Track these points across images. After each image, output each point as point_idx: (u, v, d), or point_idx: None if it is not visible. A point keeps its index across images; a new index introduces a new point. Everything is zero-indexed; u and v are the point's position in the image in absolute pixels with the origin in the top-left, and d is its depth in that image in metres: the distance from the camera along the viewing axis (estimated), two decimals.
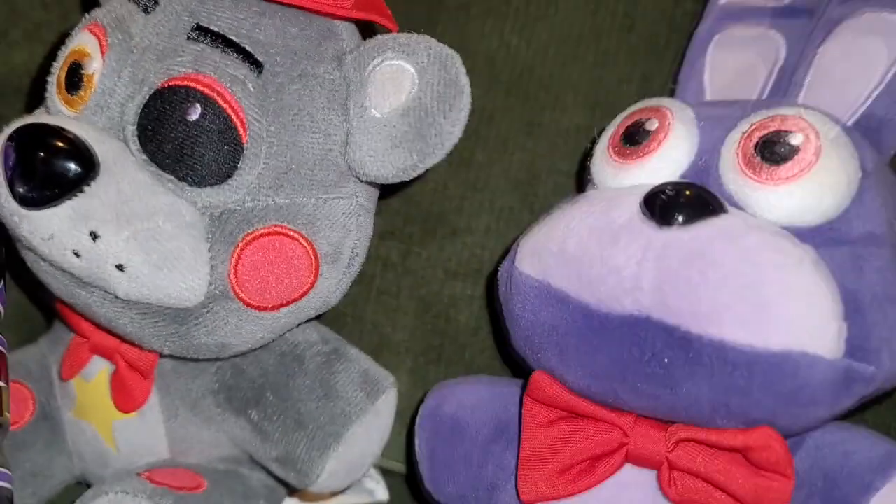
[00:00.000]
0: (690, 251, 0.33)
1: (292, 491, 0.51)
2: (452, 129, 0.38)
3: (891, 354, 0.34)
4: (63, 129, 0.36)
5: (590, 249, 0.35)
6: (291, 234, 0.38)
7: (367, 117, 0.38)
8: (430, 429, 0.45)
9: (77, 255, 0.36)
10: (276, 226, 0.38)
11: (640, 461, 0.37)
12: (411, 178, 0.40)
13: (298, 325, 0.43)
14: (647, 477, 0.38)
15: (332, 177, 0.39)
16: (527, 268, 0.38)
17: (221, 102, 0.36)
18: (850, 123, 0.39)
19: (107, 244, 0.35)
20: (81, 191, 0.35)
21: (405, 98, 0.37)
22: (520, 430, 0.40)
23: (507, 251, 0.44)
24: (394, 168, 0.38)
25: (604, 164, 0.40)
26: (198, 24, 0.37)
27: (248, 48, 0.37)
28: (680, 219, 0.34)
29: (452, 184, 0.55)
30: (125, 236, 0.35)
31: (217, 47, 0.37)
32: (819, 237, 0.35)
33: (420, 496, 0.48)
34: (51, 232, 0.36)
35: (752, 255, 0.33)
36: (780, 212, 0.35)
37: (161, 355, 0.42)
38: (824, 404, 0.35)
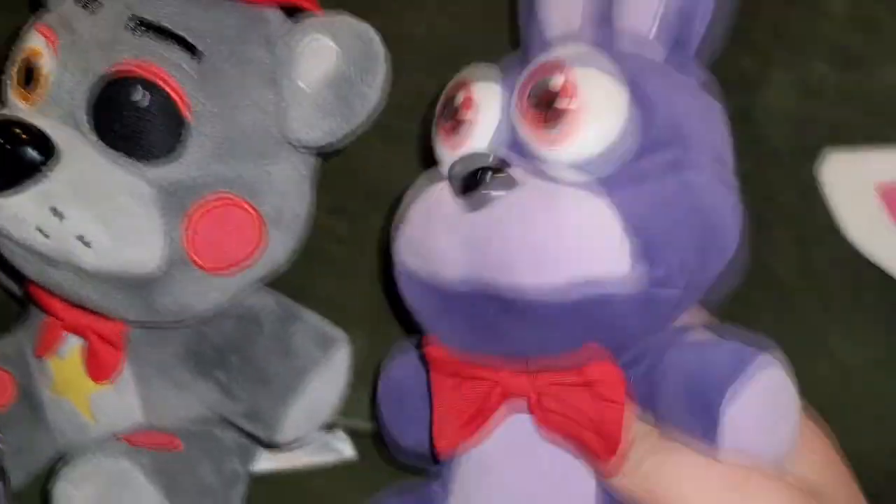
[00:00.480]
0: (494, 220, 0.35)
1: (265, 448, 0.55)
2: (372, 93, 0.42)
3: (685, 277, 0.36)
4: (22, 121, 0.40)
5: (422, 230, 0.38)
6: (237, 201, 0.42)
7: (297, 91, 0.42)
8: (382, 393, 0.48)
9: (43, 233, 0.40)
10: (222, 194, 0.42)
11: (515, 398, 0.40)
12: (340, 141, 0.44)
13: (253, 290, 0.47)
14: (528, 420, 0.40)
15: (269, 147, 0.43)
16: (398, 246, 0.40)
17: (164, 86, 0.40)
18: (652, 36, 0.40)
19: (71, 222, 0.39)
20: (45, 175, 0.39)
21: (329, 70, 0.41)
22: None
23: None
24: (323, 133, 0.42)
25: (438, 143, 0.42)
26: (138, 18, 0.41)
27: (185, 37, 0.41)
28: (482, 198, 0.35)
29: (394, 160, 0.59)
30: (89, 215, 0.39)
31: (157, 37, 0.41)
32: (607, 173, 0.36)
33: (387, 453, 0.51)
34: (14, 212, 0.39)
35: (550, 211, 0.35)
36: (566, 158, 0.36)
37: (129, 324, 0.46)
38: (638, 327, 0.37)
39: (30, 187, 0.39)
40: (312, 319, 0.48)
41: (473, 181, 0.36)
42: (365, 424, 0.61)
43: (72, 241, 0.40)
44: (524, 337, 0.37)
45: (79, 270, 0.41)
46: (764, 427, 0.35)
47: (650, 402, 0.38)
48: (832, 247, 0.53)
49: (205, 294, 0.43)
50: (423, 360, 0.43)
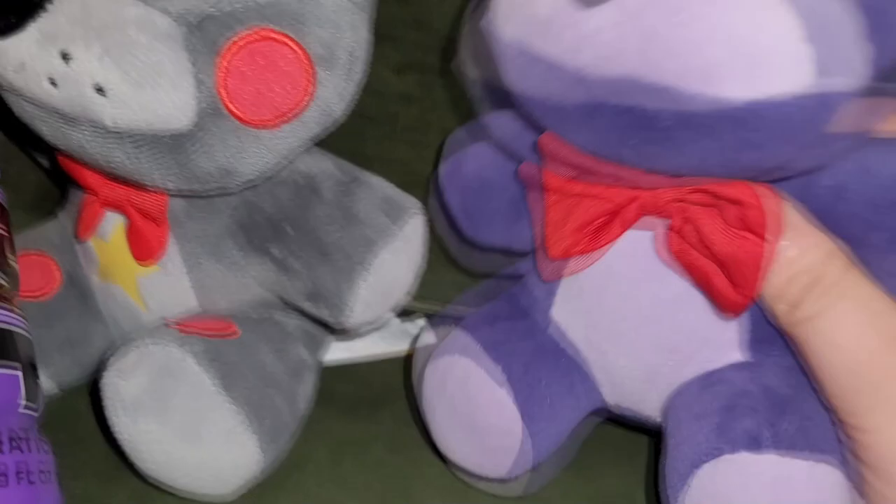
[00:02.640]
0: (669, 6, 0.28)
1: (338, 336, 0.50)
2: None
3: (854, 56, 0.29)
4: None
5: (561, 9, 0.31)
6: (278, 36, 0.34)
7: None
8: (457, 186, 0.44)
9: (53, 83, 0.34)
10: (259, 29, 0.34)
11: (652, 213, 0.35)
12: None
13: (308, 150, 0.40)
14: (647, 238, 0.36)
15: None
16: (508, 32, 0.34)
17: None
18: None
19: (80, 64, 0.33)
20: (44, 9, 0.32)
21: None
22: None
23: None
24: None
25: None
26: None
27: None
28: None
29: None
30: (97, 52, 0.33)
31: None
32: None
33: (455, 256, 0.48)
34: (21, 60, 0.33)
35: (735, 3, 0.28)
36: None
37: (170, 195, 0.40)
38: (832, 143, 0.31)
39: (29, 26, 0.32)
40: (380, 185, 0.41)
41: None
42: (442, 308, 0.55)
43: (86, 91, 0.33)
44: (703, 154, 0.31)
45: (100, 128, 0.35)
46: None
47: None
48: None
49: (249, 153, 0.36)
50: (535, 153, 0.38)
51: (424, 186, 0.51)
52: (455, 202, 0.45)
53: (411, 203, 0.41)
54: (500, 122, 0.42)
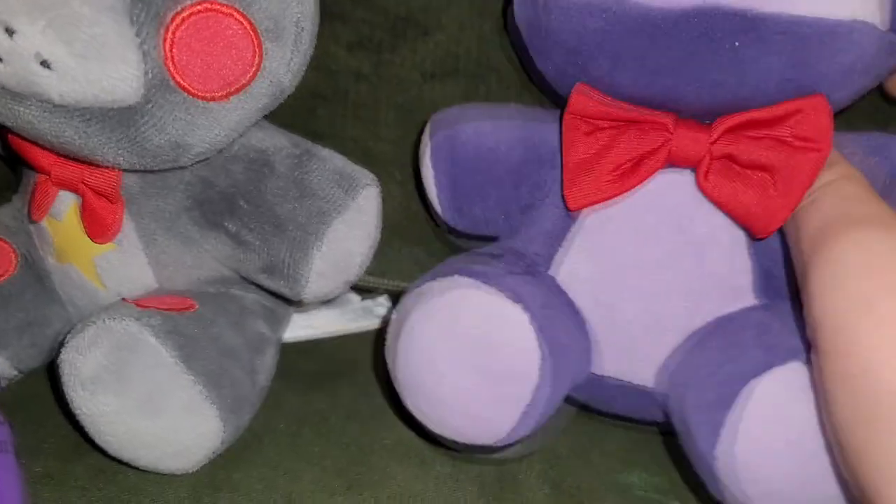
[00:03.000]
0: None
1: (298, 309, 0.50)
2: None
3: None
4: None
5: None
6: (223, 8, 0.35)
7: None
8: (448, 161, 0.43)
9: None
10: (205, 1, 0.34)
11: (682, 158, 0.37)
12: None
13: (259, 125, 0.40)
14: (685, 178, 0.38)
15: None
16: None
17: None
18: None
19: (24, 38, 0.33)
20: None
21: None
22: (560, 145, 0.38)
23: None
24: None
25: None
26: None
27: None
28: None
29: None
30: (41, 26, 0.33)
31: None
32: None
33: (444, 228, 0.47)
34: None
35: None
36: None
37: (123, 172, 0.40)
38: (872, 74, 0.35)
39: None
40: (332, 157, 0.42)
41: None
42: (406, 285, 0.56)
43: (32, 66, 0.33)
44: (765, 73, 0.33)
45: (48, 104, 0.35)
46: None
47: None
48: None
49: (199, 126, 0.37)
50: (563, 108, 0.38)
51: (376, 162, 0.52)
52: (443, 179, 0.44)
53: (364, 175, 0.42)
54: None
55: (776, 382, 0.32)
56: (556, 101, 0.40)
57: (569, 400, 0.41)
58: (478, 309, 0.35)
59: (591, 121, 0.38)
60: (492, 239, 0.44)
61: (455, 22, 0.51)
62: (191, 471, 0.40)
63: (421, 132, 0.51)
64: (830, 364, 0.30)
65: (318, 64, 0.52)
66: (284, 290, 0.41)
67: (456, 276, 0.36)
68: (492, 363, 0.35)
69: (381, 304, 0.56)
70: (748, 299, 0.38)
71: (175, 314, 0.40)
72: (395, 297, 0.56)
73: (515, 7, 0.39)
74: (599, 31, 0.34)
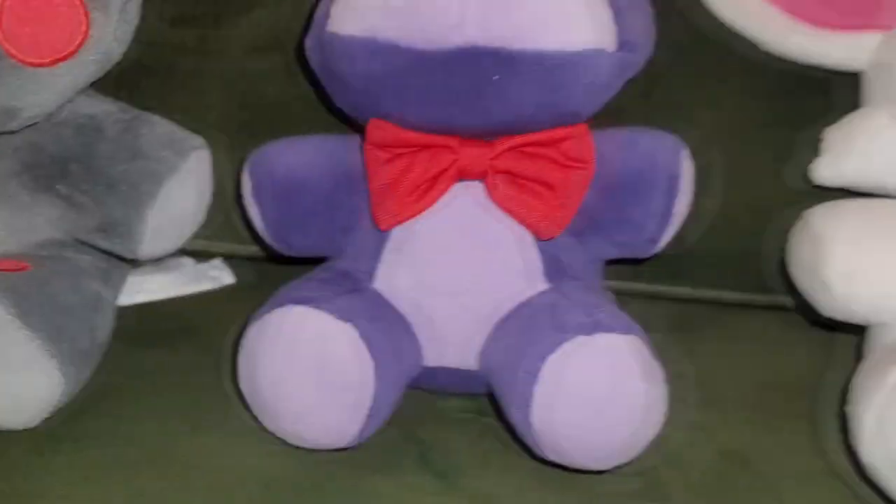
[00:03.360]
0: None
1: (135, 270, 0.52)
2: None
3: (642, 45, 0.43)
4: None
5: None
6: None
7: None
8: (268, 196, 0.47)
9: None
10: None
11: (469, 173, 0.43)
12: None
13: (88, 94, 0.42)
14: (476, 189, 0.43)
15: None
16: (348, 28, 0.40)
17: None
18: None
19: None
20: None
21: None
22: (365, 172, 0.44)
23: (306, 19, 0.45)
24: None
25: None
26: None
27: None
28: None
29: None
30: None
31: None
32: None
33: (265, 275, 0.50)
34: None
35: None
36: None
37: None
38: (609, 89, 0.42)
39: None
40: (162, 123, 0.44)
41: None
42: (241, 248, 0.58)
43: None
44: (523, 99, 0.40)
45: None
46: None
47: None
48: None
49: (28, 92, 0.38)
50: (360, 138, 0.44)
51: (203, 131, 0.54)
52: (268, 215, 0.47)
53: (194, 138, 0.45)
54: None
55: (566, 355, 0.38)
56: (358, 129, 0.45)
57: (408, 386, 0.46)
58: (313, 332, 0.39)
59: (389, 149, 0.43)
60: (323, 259, 0.48)
61: None
62: (32, 425, 0.41)
63: (244, 105, 0.55)
64: None
65: (143, 38, 0.54)
66: (121, 249, 0.44)
67: (290, 306, 0.40)
68: (332, 378, 0.39)
69: (215, 267, 0.59)
70: (540, 285, 0.44)
71: (10, 274, 0.41)
72: (229, 260, 0.59)
73: (307, 52, 0.44)
74: (382, 73, 0.40)
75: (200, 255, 0.59)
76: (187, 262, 0.58)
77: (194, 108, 0.55)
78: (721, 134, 0.55)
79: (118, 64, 0.53)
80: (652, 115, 0.54)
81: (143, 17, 0.53)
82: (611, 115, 0.52)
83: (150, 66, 0.54)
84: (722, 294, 0.58)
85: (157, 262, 0.57)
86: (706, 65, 0.54)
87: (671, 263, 0.57)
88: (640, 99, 0.54)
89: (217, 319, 0.52)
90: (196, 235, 0.56)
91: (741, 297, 0.58)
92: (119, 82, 0.54)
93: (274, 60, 0.54)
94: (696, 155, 0.53)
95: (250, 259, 0.59)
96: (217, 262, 0.59)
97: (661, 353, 0.52)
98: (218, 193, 0.55)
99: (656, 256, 0.55)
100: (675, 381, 0.49)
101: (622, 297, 0.55)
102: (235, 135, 0.55)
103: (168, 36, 0.54)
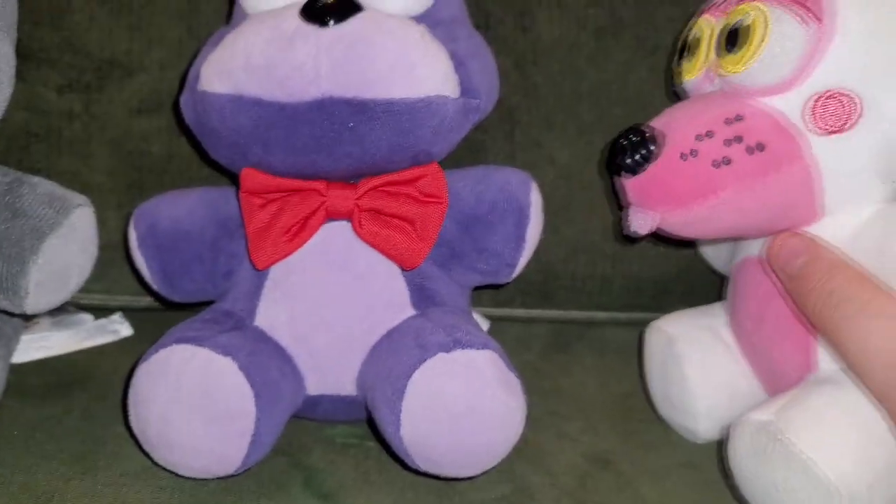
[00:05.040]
0: (351, 39, 0.42)
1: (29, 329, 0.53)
2: None
3: (483, 91, 0.46)
4: None
5: (272, 57, 0.42)
6: None
7: None
8: (152, 247, 0.49)
9: None
10: None
11: (336, 213, 0.46)
12: None
13: None
14: (344, 227, 0.46)
15: None
16: (217, 87, 0.43)
17: None
18: None
19: None
20: None
21: None
22: (242, 219, 0.46)
23: (183, 80, 0.48)
24: None
25: None
26: None
27: None
28: (334, 19, 0.42)
29: (116, 29, 0.56)
30: None
31: None
32: (425, 20, 0.45)
33: (163, 325, 0.50)
34: None
35: (396, 33, 0.43)
36: (397, 6, 0.45)
37: None
38: (456, 129, 0.45)
39: None
40: (44, 184, 0.46)
41: (334, 8, 0.42)
42: (138, 300, 0.60)
43: None
44: (377, 141, 0.43)
45: None
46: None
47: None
48: (547, 67, 0.57)
49: None
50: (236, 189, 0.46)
51: (93, 192, 0.55)
52: (153, 264, 0.49)
53: (75, 196, 0.46)
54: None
55: (429, 371, 0.41)
56: (235, 181, 0.47)
57: (295, 416, 0.48)
58: (195, 367, 0.41)
59: (262, 195, 0.45)
60: (209, 302, 0.50)
61: (156, 63, 0.56)
62: None
63: (131, 164, 0.57)
64: None
65: (30, 105, 0.56)
66: (6, 305, 0.45)
67: (174, 345, 0.42)
68: (215, 409, 0.41)
69: (114, 322, 0.60)
70: (408, 311, 0.46)
71: None
72: (126, 313, 0.60)
73: (182, 110, 0.47)
74: (250, 126, 0.43)
75: (99, 310, 0.60)
76: (86, 317, 0.59)
77: (83, 171, 0.56)
78: (578, 168, 0.58)
79: (5, 131, 0.55)
80: (515, 155, 0.58)
81: (30, 86, 0.55)
82: (478, 154, 0.56)
83: (38, 132, 0.56)
84: (592, 314, 0.61)
85: (56, 318, 0.58)
86: (560, 107, 0.58)
87: (541, 289, 0.61)
88: (502, 140, 0.58)
89: (114, 369, 0.53)
90: (93, 290, 0.59)
91: (607, 315, 0.62)
92: (8, 149, 0.56)
93: (158, 121, 0.56)
94: (555, 188, 0.57)
95: (148, 310, 0.60)
96: (116, 316, 0.60)
97: (538, 370, 0.56)
98: (109, 248, 0.57)
99: (525, 282, 0.59)
100: (549, 396, 0.54)
101: (501, 323, 0.59)
102: (125, 193, 0.57)
103: (55, 103, 0.56)
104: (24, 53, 0.55)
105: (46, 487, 0.43)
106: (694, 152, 0.39)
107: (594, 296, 0.60)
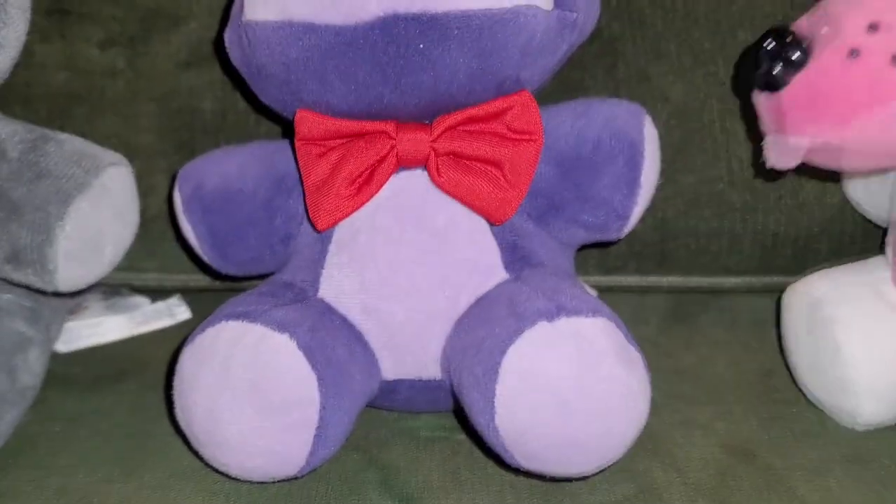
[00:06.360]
0: None
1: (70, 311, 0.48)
2: None
3: (584, 4, 0.39)
4: None
5: None
6: None
7: None
8: (199, 210, 0.44)
9: None
10: None
11: (409, 159, 0.39)
12: None
13: None
14: (419, 176, 0.40)
15: None
16: (261, 15, 0.37)
17: None
18: None
19: None
20: None
21: None
22: (299, 173, 0.40)
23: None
24: None
25: None
26: None
27: None
28: None
29: None
30: None
31: None
32: None
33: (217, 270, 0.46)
34: None
35: None
36: None
37: None
38: (549, 51, 0.38)
39: None
40: (72, 140, 0.40)
41: None
42: (192, 279, 0.54)
43: None
44: (453, 66, 0.36)
45: None
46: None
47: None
48: None
49: None
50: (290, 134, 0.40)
51: (140, 155, 0.50)
52: (201, 229, 0.44)
53: (109, 154, 0.41)
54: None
55: (528, 344, 0.34)
56: (288, 129, 0.41)
57: (371, 406, 0.41)
58: (247, 347, 0.35)
59: (320, 142, 0.39)
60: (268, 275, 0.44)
61: (205, 9, 0.51)
62: None
63: (181, 123, 0.51)
64: None
65: (70, 64, 0.51)
66: (35, 280, 0.39)
67: (222, 322, 0.36)
68: (270, 397, 0.35)
69: (173, 305, 0.54)
70: (500, 275, 0.39)
71: None
72: (185, 295, 0.55)
73: (227, 47, 0.41)
74: (301, 58, 0.36)
75: (155, 292, 0.55)
76: (142, 301, 0.54)
77: (128, 133, 0.51)
78: (695, 105, 0.50)
79: (46, 92, 0.50)
80: (620, 93, 0.50)
81: (69, 43, 0.50)
82: (575, 94, 0.48)
83: (80, 93, 0.51)
84: (719, 280, 0.53)
85: (109, 302, 0.54)
86: (671, 34, 0.50)
87: (658, 250, 0.52)
88: (604, 76, 0.50)
89: (170, 356, 0.47)
90: (147, 268, 0.53)
91: (738, 280, 0.53)
92: (48, 113, 0.51)
93: (209, 74, 0.51)
94: (669, 129, 0.49)
95: (209, 290, 0.54)
96: (174, 299, 0.55)
97: (658, 346, 0.48)
98: (160, 219, 0.52)
99: (638, 242, 0.50)
100: (672, 377, 0.45)
101: (612, 293, 0.51)
102: (175, 155, 0.52)
103: (96, 61, 0.50)
104: (61, 8, 0.50)
105: (85, 492, 0.38)
106: (866, 48, 0.30)
107: (721, 257, 0.52)
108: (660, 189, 0.43)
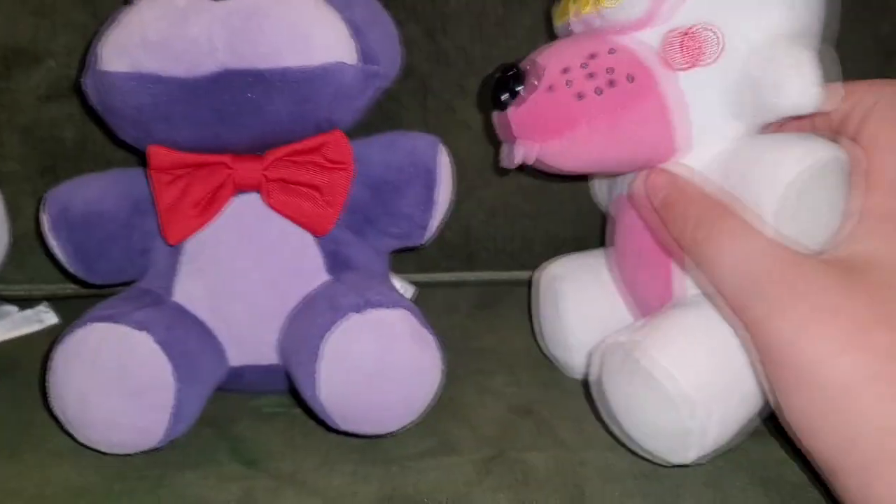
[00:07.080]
0: (246, 11, 0.42)
1: None
2: None
3: (384, 58, 0.46)
4: None
5: (167, 32, 0.42)
6: None
7: None
8: (66, 230, 0.49)
9: None
10: None
11: (245, 185, 0.46)
12: None
13: None
14: (254, 198, 0.47)
15: None
16: (116, 66, 0.43)
17: None
18: None
19: None
20: None
21: None
22: (153, 197, 0.46)
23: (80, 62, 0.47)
24: None
25: None
26: None
27: None
28: None
29: (20, 15, 0.56)
30: None
31: None
32: None
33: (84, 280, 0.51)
34: None
35: (290, 2, 0.43)
36: None
37: None
38: (356, 96, 0.46)
39: None
40: None
41: None
42: (58, 288, 0.60)
43: None
44: (277, 111, 0.43)
45: None
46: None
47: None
48: (456, 34, 0.58)
49: None
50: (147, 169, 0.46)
51: (6, 182, 0.55)
52: (68, 246, 0.49)
53: None
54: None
55: (341, 332, 0.42)
56: (142, 158, 0.47)
57: (221, 389, 0.48)
58: (111, 344, 0.41)
59: (169, 171, 0.45)
60: (130, 283, 0.50)
61: (62, 49, 0.56)
62: None
63: (44, 151, 0.56)
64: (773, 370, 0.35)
65: None
66: None
67: (90, 324, 0.42)
68: (132, 383, 0.41)
69: (41, 311, 0.59)
70: (323, 277, 0.47)
71: None
72: (52, 302, 0.60)
73: (86, 91, 0.46)
74: (151, 103, 0.43)
75: (23, 301, 0.59)
76: (11, 309, 0.59)
77: None
78: (492, 131, 0.59)
79: None
80: (428, 121, 0.59)
81: None
82: (391, 123, 0.57)
83: None
84: (515, 274, 0.62)
85: None
86: (472, 73, 0.58)
87: (464, 252, 0.61)
88: (416, 108, 0.59)
89: (40, 357, 0.52)
90: (16, 280, 0.58)
91: (530, 274, 0.62)
92: None
93: (68, 107, 0.56)
94: (471, 152, 0.58)
95: (74, 297, 0.60)
96: (41, 306, 0.60)
97: (466, 331, 0.57)
98: (28, 237, 0.57)
99: (447, 246, 0.59)
100: (475, 354, 0.55)
101: (429, 288, 0.60)
102: (39, 180, 0.57)
103: None
104: None
105: None
106: (561, 84, 0.40)
107: (516, 256, 0.61)
108: (463, 202, 0.51)
